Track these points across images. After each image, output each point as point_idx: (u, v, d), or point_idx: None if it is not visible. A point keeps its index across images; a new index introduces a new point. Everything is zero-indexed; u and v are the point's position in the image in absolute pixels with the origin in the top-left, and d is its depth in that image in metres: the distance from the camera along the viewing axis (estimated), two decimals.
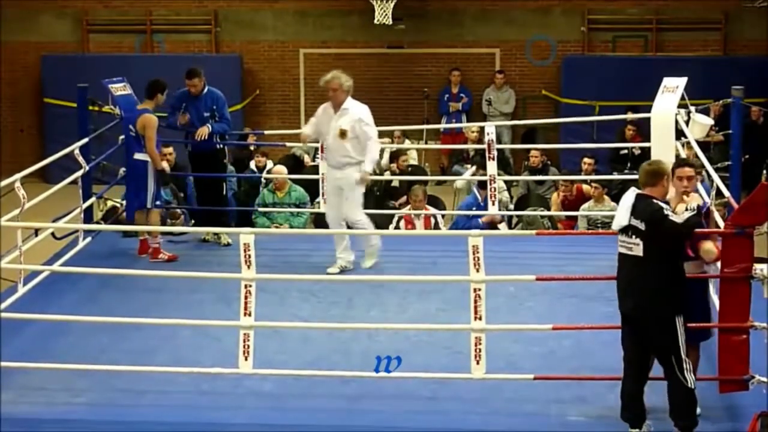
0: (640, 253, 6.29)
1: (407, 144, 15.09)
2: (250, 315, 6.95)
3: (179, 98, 10.49)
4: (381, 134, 15.16)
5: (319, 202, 10.92)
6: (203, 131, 10.28)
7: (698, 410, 6.42)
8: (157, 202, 10.18)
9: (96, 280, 9.01)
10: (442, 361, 7.41)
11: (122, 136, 10.35)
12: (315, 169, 11.29)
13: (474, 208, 11.61)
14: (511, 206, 12.32)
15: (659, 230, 6.26)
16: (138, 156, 9.95)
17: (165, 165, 10.31)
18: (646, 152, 11.01)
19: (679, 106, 9.49)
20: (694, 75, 10.23)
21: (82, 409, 6.89)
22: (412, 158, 14.69)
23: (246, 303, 6.95)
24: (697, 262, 6.60)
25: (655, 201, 6.35)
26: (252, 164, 13.50)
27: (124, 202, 10.65)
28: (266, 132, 13.65)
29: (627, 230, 6.36)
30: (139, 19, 17.90)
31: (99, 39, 18.06)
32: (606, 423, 6.59)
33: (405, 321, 8.30)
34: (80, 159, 10.22)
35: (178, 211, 11.77)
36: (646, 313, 6.32)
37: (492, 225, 11.29)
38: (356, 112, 9.46)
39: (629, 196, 6.43)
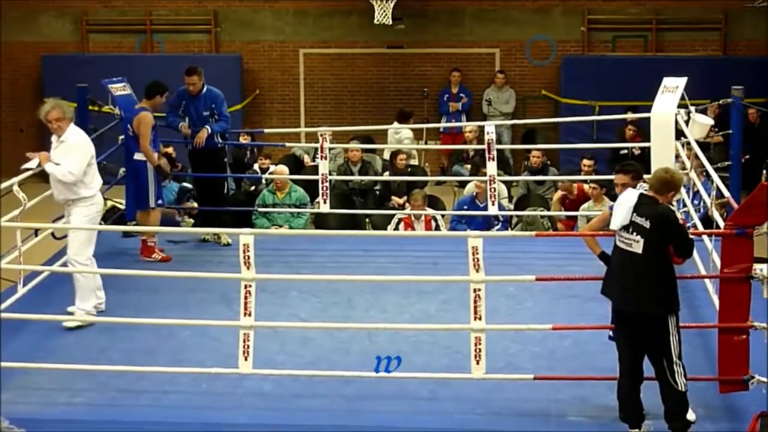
0: (639, 251, 6.30)
1: (408, 144, 15.07)
2: (250, 315, 6.95)
3: (178, 97, 10.48)
4: (382, 134, 15.38)
5: (318, 203, 10.92)
6: (202, 135, 10.27)
7: (693, 416, 6.42)
8: (159, 201, 10.12)
9: None
10: (442, 361, 7.42)
11: (122, 136, 10.35)
12: (315, 170, 11.27)
13: (466, 207, 11.62)
14: (510, 206, 12.32)
15: (667, 231, 6.28)
16: (137, 156, 9.93)
17: (164, 161, 10.27)
18: (646, 152, 11.01)
19: (679, 106, 9.50)
20: (694, 75, 10.22)
21: (82, 409, 6.89)
22: (413, 158, 14.70)
23: (246, 303, 6.94)
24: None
25: (662, 204, 6.38)
26: (256, 166, 13.45)
27: (124, 203, 10.64)
28: (266, 131, 13.59)
29: (628, 227, 6.37)
30: (139, 19, 17.91)
31: (99, 39, 18.08)
32: (606, 423, 6.59)
33: (405, 321, 8.30)
34: None
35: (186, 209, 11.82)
36: (639, 310, 6.32)
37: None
38: (69, 143, 8.38)
39: (631, 195, 6.44)
